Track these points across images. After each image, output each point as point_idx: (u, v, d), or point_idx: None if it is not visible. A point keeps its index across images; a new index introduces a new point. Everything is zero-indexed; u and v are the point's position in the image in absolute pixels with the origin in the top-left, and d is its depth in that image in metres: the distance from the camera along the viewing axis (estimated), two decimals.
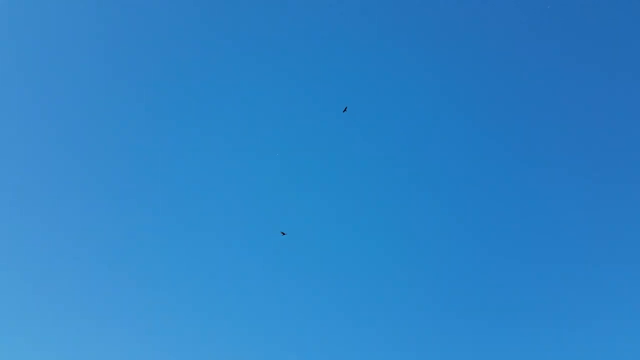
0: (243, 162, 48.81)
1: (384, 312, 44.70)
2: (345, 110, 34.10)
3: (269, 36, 49.52)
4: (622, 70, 48.07)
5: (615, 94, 48.14)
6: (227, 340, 43.93)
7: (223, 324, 44.78)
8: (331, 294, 45.33)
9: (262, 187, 48.20)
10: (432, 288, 45.30)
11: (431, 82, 49.71)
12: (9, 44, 47.81)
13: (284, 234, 35.65)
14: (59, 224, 46.44)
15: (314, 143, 48.40)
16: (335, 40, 49.75)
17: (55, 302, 44.45)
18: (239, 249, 46.85)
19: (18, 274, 44.94)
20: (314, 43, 49.81)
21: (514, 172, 48.28)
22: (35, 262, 45.32)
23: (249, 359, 43.10)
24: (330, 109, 47.70)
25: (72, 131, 48.31)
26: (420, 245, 47.00)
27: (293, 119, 49.04)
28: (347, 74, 49.57)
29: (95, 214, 46.92)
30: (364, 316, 44.60)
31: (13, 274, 44.91)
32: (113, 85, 48.90)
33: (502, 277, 45.32)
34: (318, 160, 48.54)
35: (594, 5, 48.72)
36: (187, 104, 49.25)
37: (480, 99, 49.34)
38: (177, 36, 49.59)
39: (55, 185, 47.42)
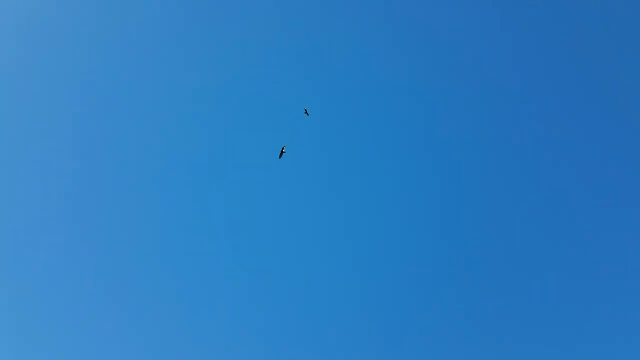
0: (242, 162, 48.76)
1: (383, 312, 44.60)
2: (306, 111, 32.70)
3: (267, 36, 49.56)
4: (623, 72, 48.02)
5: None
6: (225, 340, 43.80)
7: (221, 324, 44.65)
8: (330, 294, 45.24)
9: (259, 187, 48.19)
10: (431, 289, 45.20)
11: (430, 84, 49.71)
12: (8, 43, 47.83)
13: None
14: (57, 223, 46.35)
15: (311, 143, 48.36)
16: (334, 40, 49.80)
17: (54, 301, 44.37)
18: (237, 250, 46.84)
19: (17, 273, 44.85)
20: (312, 43, 49.83)
21: (514, 173, 48.20)
22: (33, 262, 45.24)
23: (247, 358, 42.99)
24: (329, 109, 47.72)
25: (70, 130, 48.29)
26: (419, 245, 46.91)
27: (289, 119, 48.97)
28: (346, 75, 49.59)
29: (92, 213, 46.85)
30: (363, 316, 44.49)
31: (12, 273, 44.80)
32: (111, 84, 48.87)
33: (502, 278, 45.20)
34: (317, 160, 48.51)
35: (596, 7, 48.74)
36: (183, 103, 49.21)
37: (480, 102, 49.29)
38: (174, 35, 49.63)
39: (55, 184, 47.33)
